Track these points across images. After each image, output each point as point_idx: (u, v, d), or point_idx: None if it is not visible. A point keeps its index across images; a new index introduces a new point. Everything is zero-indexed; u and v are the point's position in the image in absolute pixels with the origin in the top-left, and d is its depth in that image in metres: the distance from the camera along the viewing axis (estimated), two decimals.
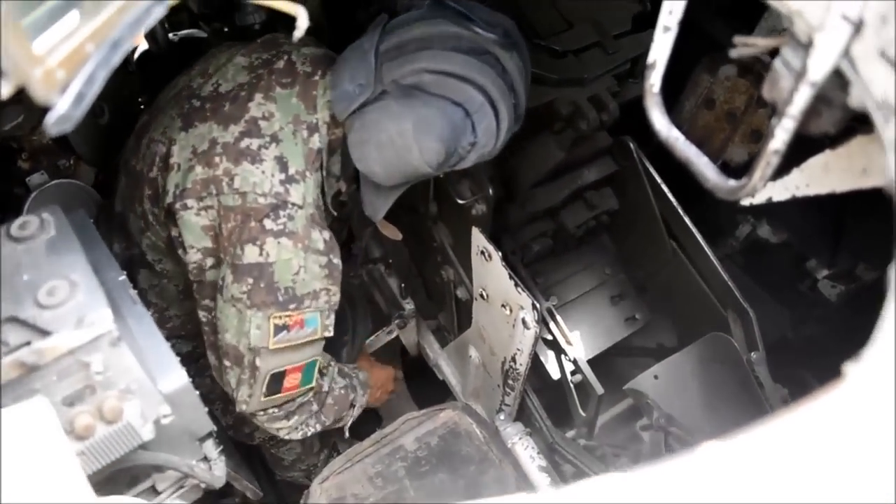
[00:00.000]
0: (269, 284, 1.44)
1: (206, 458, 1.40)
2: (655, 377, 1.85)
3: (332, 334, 1.56)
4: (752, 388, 1.83)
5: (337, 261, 1.51)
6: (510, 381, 1.82)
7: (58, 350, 0.98)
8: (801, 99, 0.63)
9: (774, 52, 0.72)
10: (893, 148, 0.58)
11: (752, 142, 1.97)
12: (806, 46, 0.63)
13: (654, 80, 0.82)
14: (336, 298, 1.53)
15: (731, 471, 0.45)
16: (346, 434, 1.94)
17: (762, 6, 0.71)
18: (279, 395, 1.57)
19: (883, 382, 0.46)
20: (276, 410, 1.61)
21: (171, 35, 2.07)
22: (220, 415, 2.00)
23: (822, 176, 0.82)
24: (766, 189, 0.82)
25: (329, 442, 2.38)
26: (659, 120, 0.82)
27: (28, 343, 0.98)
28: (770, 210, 2.19)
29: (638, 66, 1.92)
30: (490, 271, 1.65)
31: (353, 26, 1.71)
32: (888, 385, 0.46)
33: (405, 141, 1.41)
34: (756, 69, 1.88)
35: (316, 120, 1.49)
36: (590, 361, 1.92)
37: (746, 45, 0.76)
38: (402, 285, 2.27)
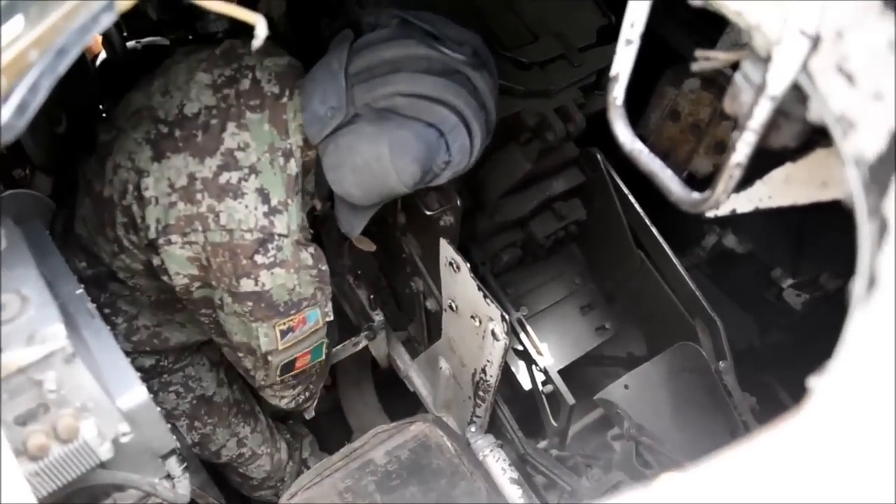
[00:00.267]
0: (269, 304, 1.49)
1: (169, 476, 1.37)
2: (626, 387, 1.86)
3: (332, 318, 1.64)
4: (720, 397, 1.85)
5: (325, 267, 1.56)
6: (481, 393, 1.81)
7: (8, 368, 0.94)
8: (762, 113, 0.64)
9: (736, 66, 0.73)
10: (852, 162, 0.58)
11: (716, 153, 2.00)
12: (765, 61, 0.63)
13: (618, 92, 0.82)
14: (329, 290, 1.60)
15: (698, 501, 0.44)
16: (311, 413, 2.04)
17: (725, 19, 0.71)
18: (293, 372, 1.69)
19: (848, 396, 0.46)
20: (291, 380, 1.73)
21: (133, 42, 2.03)
22: (186, 431, 1.96)
23: (783, 188, 0.83)
24: (729, 201, 0.83)
25: (297, 456, 2.34)
26: (623, 132, 0.83)
27: None
28: (736, 220, 2.22)
29: (603, 79, 1.94)
30: (459, 283, 1.64)
31: (318, 38, 1.70)
32: (854, 399, 0.45)
33: (382, 164, 1.42)
34: (719, 82, 1.91)
35: (289, 145, 1.48)
36: (560, 371, 1.92)
37: (708, 59, 0.76)
38: (372, 297, 2.25)
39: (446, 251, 1.63)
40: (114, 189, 1.51)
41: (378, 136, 1.40)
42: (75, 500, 1.23)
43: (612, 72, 0.82)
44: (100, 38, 1.98)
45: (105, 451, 1.08)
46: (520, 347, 1.92)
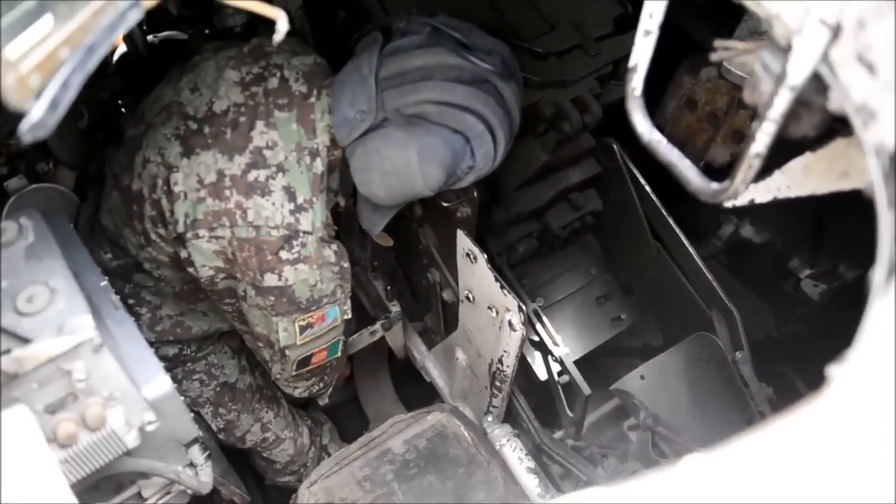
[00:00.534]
0: (291, 299, 1.52)
1: (192, 464, 1.39)
2: (642, 377, 1.86)
3: (350, 316, 1.68)
4: (737, 388, 1.85)
5: (346, 264, 1.59)
6: (497, 383, 1.82)
7: (38, 358, 0.97)
8: (782, 103, 0.64)
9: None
10: (873, 152, 0.58)
11: (733, 142, 1.98)
12: (785, 51, 0.63)
13: (636, 83, 0.82)
14: (349, 288, 1.63)
15: (717, 483, 0.45)
16: (326, 400, 2.07)
17: (743, 8, 0.71)
18: (308, 368, 1.74)
19: (868, 385, 0.46)
20: (306, 374, 1.77)
21: (150, 37, 2.05)
22: (211, 418, 1.99)
23: (802, 178, 0.83)
24: (748, 191, 0.83)
25: (318, 442, 2.37)
26: (641, 123, 0.83)
27: (7, 351, 0.97)
28: (753, 210, 2.21)
29: (620, 68, 1.93)
30: (476, 274, 1.65)
31: (340, 37, 1.71)
32: (873, 388, 0.46)
33: (409, 169, 1.46)
34: None
35: (316, 145, 1.51)
36: (576, 362, 1.92)
37: (726, 49, 0.76)
38: (388, 288, 2.26)
39: (463, 242, 1.63)
40: (143, 183, 1.54)
41: (407, 142, 1.43)
42: (101, 488, 1.26)
43: (631, 62, 0.82)
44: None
45: (132, 440, 1.10)
46: (536, 338, 1.93)
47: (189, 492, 1.42)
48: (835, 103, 0.63)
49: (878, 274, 0.55)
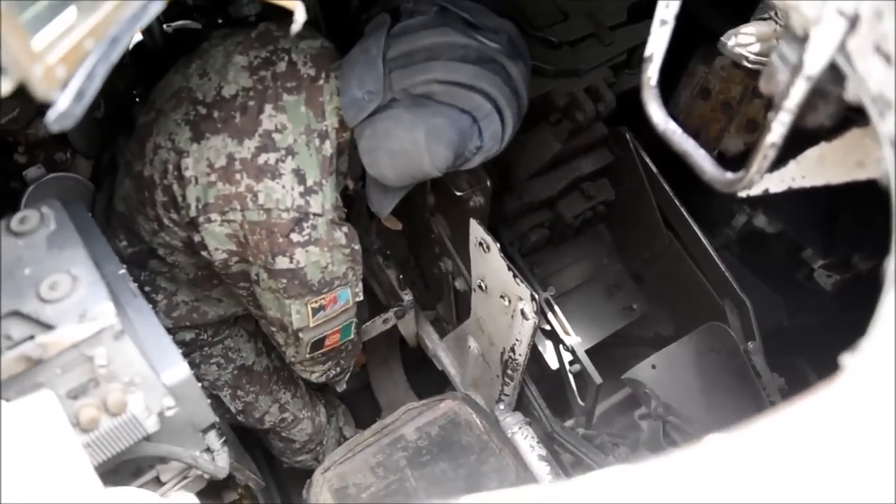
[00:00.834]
0: (303, 281, 1.53)
1: (209, 449, 1.41)
2: (653, 367, 1.87)
3: (361, 299, 1.69)
4: (748, 378, 1.85)
5: (357, 246, 1.59)
6: (509, 372, 1.83)
7: (62, 344, 0.99)
8: (798, 93, 0.64)
9: None
10: (890, 143, 0.59)
11: (747, 132, 1.97)
12: (802, 40, 0.63)
13: (652, 73, 0.82)
14: (360, 270, 1.64)
15: (735, 464, 0.46)
16: (343, 386, 2.09)
17: None
18: (321, 350, 1.74)
19: (882, 374, 0.47)
20: (320, 356, 1.78)
21: (164, 26, 2.06)
22: (229, 401, 2.02)
23: (817, 168, 0.83)
24: (762, 181, 0.83)
25: (334, 422, 2.40)
26: (656, 113, 0.83)
27: (31, 337, 0.99)
28: (766, 200, 2.20)
29: (634, 57, 1.93)
30: (488, 263, 1.66)
31: (352, 23, 1.71)
32: (887, 377, 0.46)
33: (417, 149, 1.46)
34: None
35: (325, 127, 1.51)
36: (588, 351, 1.93)
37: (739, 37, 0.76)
38: (401, 276, 2.28)
39: (476, 231, 1.64)
40: (154, 169, 1.55)
41: (415, 122, 1.44)
42: (121, 472, 1.29)
43: (647, 52, 0.82)
44: None
45: (151, 425, 1.12)
46: (547, 327, 1.94)
47: (206, 476, 1.44)
48: (851, 94, 0.63)
49: (893, 264, 0.56)
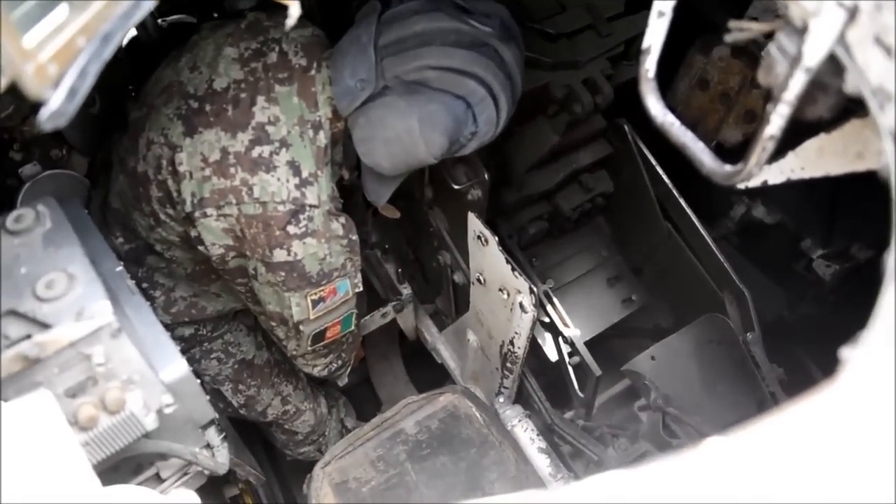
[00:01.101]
0: (301, 273, 1.52)
1: (208, 445, 1.41)
2: (652, 358, 1.87)
3: (361, 289, 1.69)
4: (748, 369, 1.85)
5: (355, 237, 1.59)
6: (508, 364, 1.84)
7: (59, 343, 0.98)
8: (797, 85, 0.63)
9: (770, 36, 0.72)
10: (890, 135, 0.58)
11: (746, 122, 1.96)
12: (801, 32, 0.63)
13: (650, 65, 0.82)
14: (359, 261, 1.63)
15: (735, 466, 0.46)
16: (345, 380, 2.09)
17: None
18: (323, 342, 1.74)
19: (882, 371, 0.46)
20: (322, 349, 1.78)
21: (159, 21, 2.05)
22: (231, 395, 2.02)
23: (816, 159, 0.82)
24: (761, 173, 0.83)
25: (335, 414, 2.40)
26: (654, 105, 0.83)
27: (28, 336, 0.99)
28: (765, 191, 2.19)
29: (632, 49, 1.92)
30: (487, 256, 1.65)
31: (344, 8, 1.70)
32: (888, 374, 0.46)
33: (412, 137, 1.45)
34: (750, 50, 1.87)
35: (319, 117, 1.50)
36: (587, 343, 1.93)
37: (741, 30, 0.75)
38: (399, 270, 2.27)
39: (474, 224, 1.64)
40: (148, 165, 1.54)
41: (408, 110, 1.43)
42: (121, 469, 1.29)
43: (644, 44, 0.82)
44: None
45: (150, 422, 1.12)
46: (547, 319, 1.93)
47: (206, 472, 1.44)
48: (851, 86, 0.62)
49: (893, 258, 0.56)
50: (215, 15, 1.99)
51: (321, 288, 1.58)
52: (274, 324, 1.69)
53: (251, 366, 2.03)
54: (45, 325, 1.00)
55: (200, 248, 1.55)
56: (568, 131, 1.89)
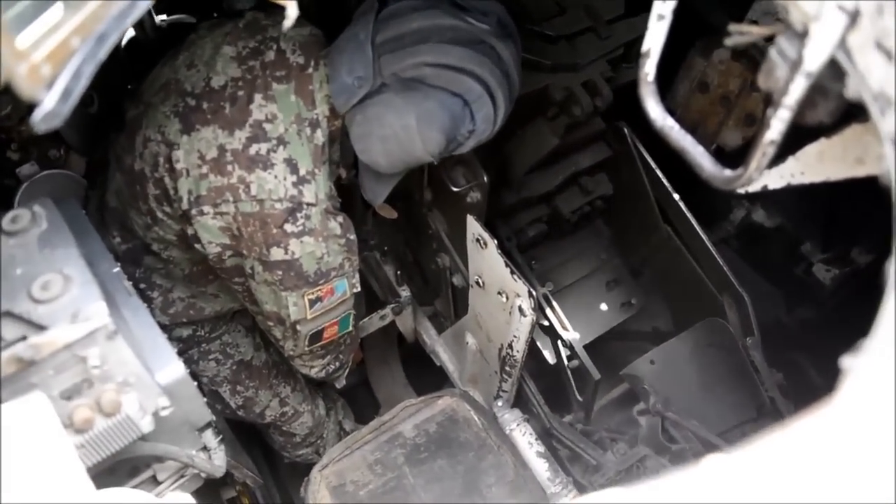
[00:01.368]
0: (298, 273, 1.51)
1: (205, 448, 1.41)
2: (652, 362, 1.86)
3: (359, 290, 1.67)
4: (747, 373, 1.85)
5: (353, 236, 1.58)
6: (507, 368, 1.83)
7: (54, 345, 0.98)
8: (797, 89, 0.63)
9: (770, 39, 0.72)
10: (890, 141, 0.58)
11: (746, 126, 1.96)
12: (801, 36, 0.62)
13: (649, 68, 0.81)
14: (356, 260, 1.62)
15: (736, 486, 0.45)
16: (343, 382, 2.08)
17: None
18: (320, 343, 1.72)
19: (886, 379, 0.46)
20: (319, 350, 1.76)
21: (158, 20, 2.04)
22: (229, 396, 2.02)
23: (816, 164, 0.82)
24: (761, 177, 0.82)
25: (333, 416, 2.40)
26: (654, 109, 0.82)
27: (23, 338, 0.98)
28: (765, 194, 2.19)
29: (632, 51, 1.91)
30: (486, 259, 1.65)
31: (342, 6, 1.69)
32: (889, 386, 0.45)
33: (409, 135, 1.44)
34: (750, 53, 1.87)
35: (316, 115, 1.50)
36: (586, 346, 1.93)
37: (741, 33, 0.75)
38: (398, 272, 2.27)
39: (473, 227, 1.63)
40: (145, 162, 1.54)
41: (406, 107, 1.42)
42: (117, 471, 1.28)
43: (644, 47, 0.81)
44: None
45: (146, 425, 1.12)
46: (546, 322, 1.93)
47: (203, 475, 1.44)
48: (852, 90, 0.62)
49: (894, 266, 0.55)
50: (215, 15, 1.99)
51: (318, 287, 1.57)
52: (271, 324, 1.68)
53: (249, 367, 2.03)
54: (40, 327, 0.99)
55: (197, 246, 1.55)
56: (567, 134, 1.88)
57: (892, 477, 0.44)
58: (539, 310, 1.85)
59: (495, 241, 1.59)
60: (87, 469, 1.09)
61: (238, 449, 2.10)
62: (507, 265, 1.58)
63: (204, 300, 1.82)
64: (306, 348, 1.72)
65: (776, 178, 0.85)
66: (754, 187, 0.85)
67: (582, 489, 1.82)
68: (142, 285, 1.72)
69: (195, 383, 1.29)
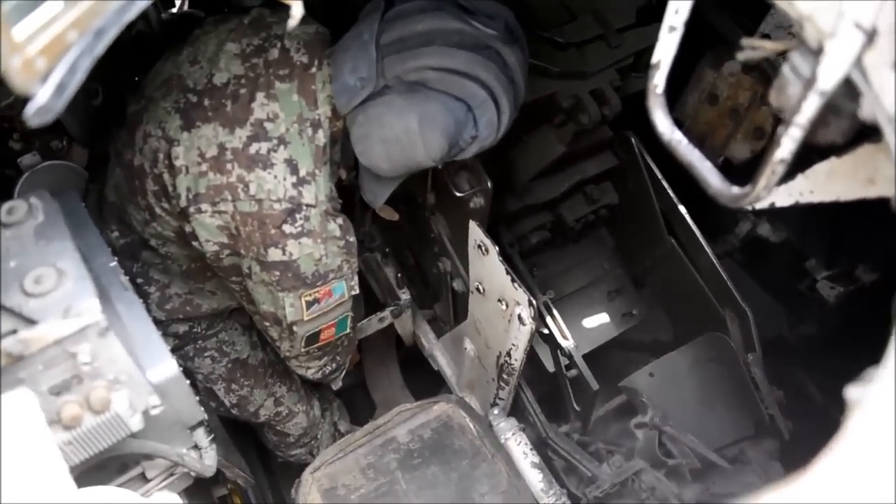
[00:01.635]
0: (296, 274, 1.50)
1: (196, 447, 1.40)
2: (651, 375, 1.85)
3: (357, 292, 1.66)
4: (747, 389, 1.83)
5: (352, 239, 1.57)
6: (505, 376, 1.81)
7: (44, 340, 0.97)
8: (810, 108, 0.61)
9: (782, 53, 0.70)
10: None
11: (754, 139, 1.94)
12: (816, 53, 0.60)
13: (658, 80, 0.80)
14: (355, 263, 1.61)
15: None
16: (339, 384, 2.07)
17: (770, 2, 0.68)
18: (317, 344, 1.71)
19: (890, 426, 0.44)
20: (316, 351, 1.75)
21: (166, 14, 2.03)
22: (224, 394, 2.00)
23: (826, 183, 0.80)
24: (769, 195, 0.80)
25: (328, 417, 2.38)
26: (662, 122, 0.80)
27: (14, 331, 0.97)
28: (771, 209, 2.17)
29: (642, 60, 1.89)
30: (487, 265, 1.63)
31: (347, 5, 1.68)
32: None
33: (410, 137, 1.42)
34: (761, 66, 1.86)
35: (318, 116, 1.48)
36: (586, 356, 1.91)
37: (754, 48, 0.73)
38: (399, 275, 2.25)
39: (475, 233, 1.62)
40: (144, 158, 1.53)
41: (408, 109, 1.40)
42: (106, 468, 1.27)
43: (654, 59, 0.79)
44: None
45: (135, 423, 1.10)
46: (545, 330, 1.91)
47: (193, 474, 1.42)
48: (866, 111, 0.60)
49: None
50: (226, 10, 1.98)
51: (316, 289, 1.55)
52: (268, 324, 1.67)
53: (245, 365, 2.02)
54: (31, 321, 0.98)
55: (195, 244, 1.54)
56: (574, 141, 1.87)
57: None
58: (539, 318, 1.84)
59: (497, 248, 1.58)
60: (75, 466, 1.08)
61: (230, 448, 2.09)
62: (508, 273, 1.56)
63: (201, 297, 1.81)
64: (303, 349, 1.71)
65: (784, 196, 0.84)
66: (762, 204, 0.83)
67: (576, 500, 1.80)
68: (139, 280, 1.71)
69: (188, 381, 1.27)
